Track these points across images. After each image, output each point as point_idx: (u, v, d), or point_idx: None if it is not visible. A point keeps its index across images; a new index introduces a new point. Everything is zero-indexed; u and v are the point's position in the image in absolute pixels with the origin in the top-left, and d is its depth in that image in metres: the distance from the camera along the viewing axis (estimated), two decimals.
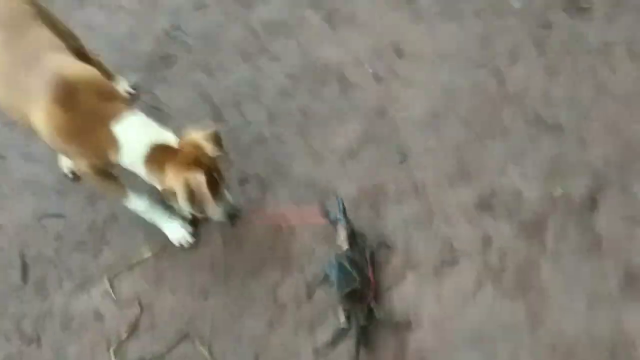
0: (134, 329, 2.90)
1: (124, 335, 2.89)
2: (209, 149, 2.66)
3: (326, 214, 2.92)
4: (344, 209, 2.85)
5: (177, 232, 3.03)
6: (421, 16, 3.55)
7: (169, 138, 2.67)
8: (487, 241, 2.72)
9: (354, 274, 2.69)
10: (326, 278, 2.79)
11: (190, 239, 3.03)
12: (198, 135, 2.69)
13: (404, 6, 3.61)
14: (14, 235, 3.31)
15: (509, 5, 3.43)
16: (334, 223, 2.86)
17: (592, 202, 2.68)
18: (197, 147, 2.65)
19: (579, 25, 3.27)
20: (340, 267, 2.72)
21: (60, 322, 3.01)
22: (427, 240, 2.79)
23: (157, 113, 3.51)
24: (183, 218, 3.06)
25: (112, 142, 2.61)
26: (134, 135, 2.62)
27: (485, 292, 2.61)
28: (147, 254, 3.08)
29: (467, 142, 2.99)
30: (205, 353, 2.75)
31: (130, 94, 3.54)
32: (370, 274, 2.74)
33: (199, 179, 2.60)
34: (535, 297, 2.55)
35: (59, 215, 3.31)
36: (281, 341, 2.73)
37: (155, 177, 2.67)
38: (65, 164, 3.34)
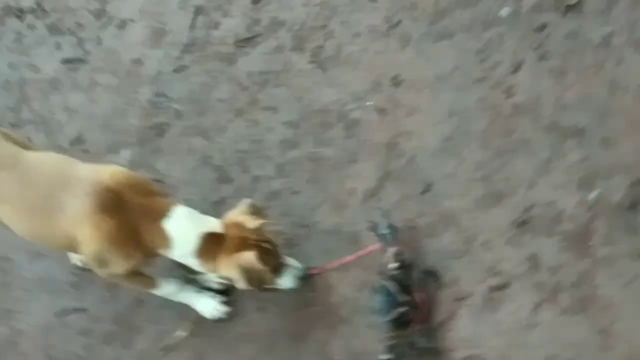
0: None
1: None
2: (250, 222, 2.59)
3: (374, 227, 2.79)
4: (391, 225, 2.74)
5: (209, 305, 2.91)
6: (408, 40, 3.41)
7: (214, 225, 2.61)
8: (532, 260, 2.63)
9: (398, 296, 2.58)
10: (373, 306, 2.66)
11: (223, 309, 2.92)
12: (237, 214, 2.63)
13: (387, 33, 3.45)
14: (37, 338, 3.20)
15: (496, 15, 3.33)
16: (381, 238, 2.74)
17: (632, 200, 2.60)
18: (240, 226, 2.59)
19: (573, 22, 3.14)
20: (383, 290, 2.60)
21: None
22: (470, 269, 2.70)
23: (161, 186, 3.41)
24: (211, 289, 2.96)
25: (163, 238, 2.56)
26: (185, 229, 2.57)
27: (544, 314, 2.51)
28: (182, 334, 2.96)
29: (488, 161, 2.91)
30: None
31: None
32: (419, 296, 2.63)
33: (249, 258, 2.53)
34: (597, 310, 2.45)
35: (80, 310, 3.20)
36: None
37: (209, 267, 2.63)
38: (76, 255, 3.20)
